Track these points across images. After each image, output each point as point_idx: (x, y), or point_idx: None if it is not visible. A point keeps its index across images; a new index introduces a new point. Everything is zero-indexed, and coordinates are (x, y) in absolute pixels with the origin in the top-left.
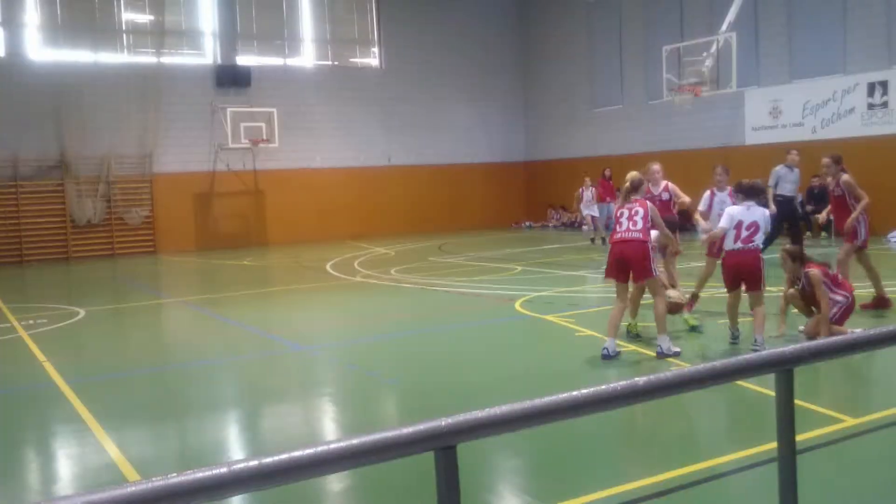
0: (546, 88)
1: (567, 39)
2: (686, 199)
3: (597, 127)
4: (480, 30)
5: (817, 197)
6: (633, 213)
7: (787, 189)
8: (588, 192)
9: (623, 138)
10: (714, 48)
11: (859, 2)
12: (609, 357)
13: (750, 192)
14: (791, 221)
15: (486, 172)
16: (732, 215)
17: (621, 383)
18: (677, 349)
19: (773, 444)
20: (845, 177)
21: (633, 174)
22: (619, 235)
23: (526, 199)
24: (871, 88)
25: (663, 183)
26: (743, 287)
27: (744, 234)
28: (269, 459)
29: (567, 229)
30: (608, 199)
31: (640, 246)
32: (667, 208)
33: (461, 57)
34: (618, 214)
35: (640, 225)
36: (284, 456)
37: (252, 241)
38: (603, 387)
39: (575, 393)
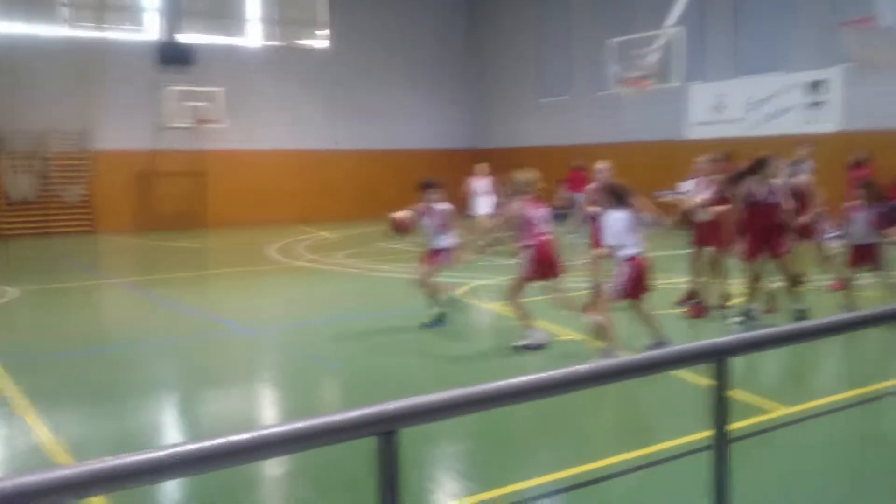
0: (495, 76)
1: (516, 28)
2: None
3: (544, 117)
4: (431, 15)
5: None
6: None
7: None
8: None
9: (570, 129)
10: (661, 42)
11: (802, 3)
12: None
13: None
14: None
15: (433, 159)
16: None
17: (563, 370)
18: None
19: (708, 433)
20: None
21: (523, 174)
22: (546, 237)
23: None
24: (812, 86)
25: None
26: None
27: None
28: (208, 443)
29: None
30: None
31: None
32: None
33: (410, 42)
34: (531, 217)
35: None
36: (224, 440)
37: (194, 222)
38: (544, 374)
39: (516, 380)
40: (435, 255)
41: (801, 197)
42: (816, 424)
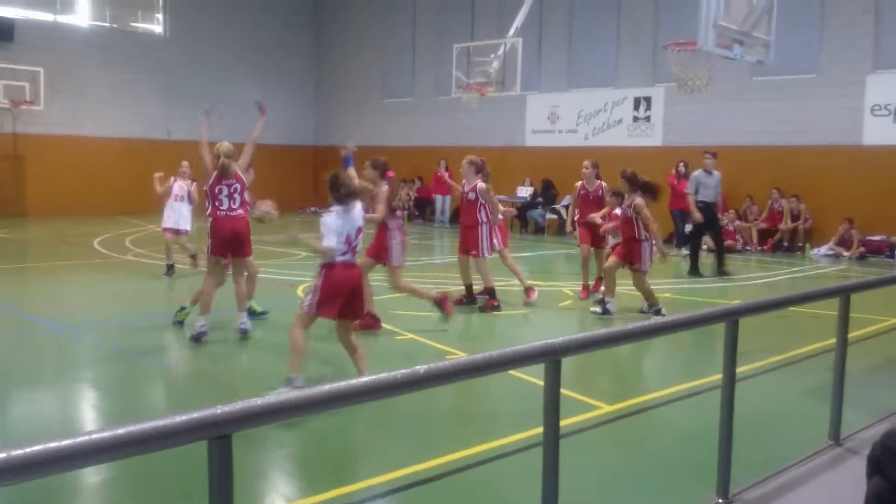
0: (338, 74)
1: (362, 26)
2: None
3: (387, 117)
4: (275, 7)
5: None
6: (231, 189)
7: (708, 195)
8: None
9: (412, 130)
10: (501, 51)
11: (630, 23)
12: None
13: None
14: (713, 228)
15: (273, 154)
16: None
17: (402, 371)
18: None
19: (539, 430)
20: (638, 200)
21: (223, 145)
22: (222, 212)
23: (314, 184)
24: (637, 102)
25: (597, 182)
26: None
27: (353, 244)
28: (19, 451)
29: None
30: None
31: (245, 221)
32: (599, 207)
33: (253, 33)
34: (216, 191)
35: (238, 201)
36: (39, 447)
37: (8, 210)
38: (383, 374)
39: (354, 381)
40: None
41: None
42: (635, 422)
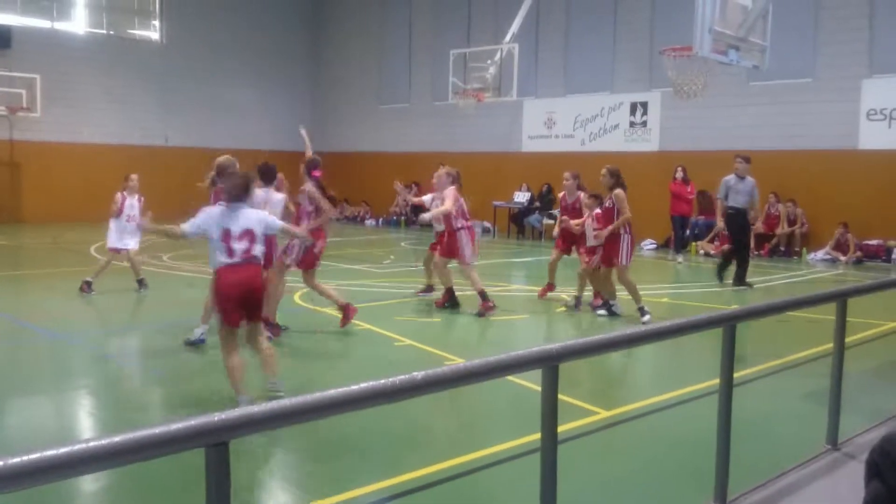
0: (335, 80)
1: (358, 33)
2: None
3: (384, 123)
4: (272, 13)
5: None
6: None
7: (738, 201)
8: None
9: (408, 136)
10: (498, 57)
11: (626, 28)
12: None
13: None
14: (741, 236)
15: (268, 159)
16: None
17: (400, 377)
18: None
19: (537, 435)
20: (618, 190)
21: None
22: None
23: None
24: (634, 108)
25: (577, 193)
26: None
27: (235, 246)
28: (16, 459)
29: (349, 222)
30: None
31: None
32: (577, 217)
33: (249, 39)
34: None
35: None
36: (36, 455)
37: (5, 217)
38: (381, 381)
39: (353, 387)
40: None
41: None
42: (632, 427)
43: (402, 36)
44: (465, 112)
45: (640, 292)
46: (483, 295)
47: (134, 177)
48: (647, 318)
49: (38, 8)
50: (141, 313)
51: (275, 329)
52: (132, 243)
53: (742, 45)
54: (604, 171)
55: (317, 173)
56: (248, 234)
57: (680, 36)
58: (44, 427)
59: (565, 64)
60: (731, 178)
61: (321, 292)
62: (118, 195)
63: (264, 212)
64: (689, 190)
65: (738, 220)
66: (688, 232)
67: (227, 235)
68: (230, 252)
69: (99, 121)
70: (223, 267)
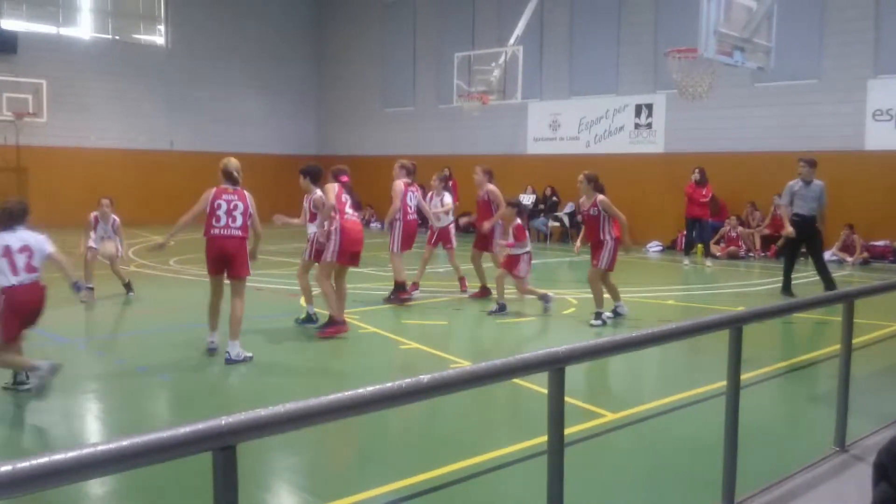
0: (340, 84)
1: (362, 37)
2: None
3: (389, 126)
4: (276, 17)
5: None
6: (231, 206)
7: (805, 207)
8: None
9: (413, 139)
10: (502, 59)
11: (631, 30)
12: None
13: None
14: (812, 244)
15: (276, 164)
16: None
17: (406, 381)
18: (248, 354)
19: (544, 438)
20: (601, 197)
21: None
22: (217, 231)
23: None
24: (639, 110)
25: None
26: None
27: (17, 260)
28: (25, 463)
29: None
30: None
31: (240, 242)
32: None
33: (254, 43)
34: (215, 206)
35: (239, 221)
36: (45, 459)
37: None
38: (388, 384)
39: (360, 390)
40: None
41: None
42: (638, 429)
43: (406, 39)
44: (470, 115)
45: (646, 294)
46: (400, 286)
47: (105, 201)
48: (597, 323)
49: (44, 14)
50: (145, 317)
51: (340, 326)
52: (110, 248)
53: (747, 47)
54: (581, 177)
55: (344, 178)
56: (24, 249)
57: (685, 37)
58: (51, 431)
59: (570, 66)
60: (795, 182)
61: (326, 294)
62: (91, 215)
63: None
64: (703, 193)
65: (806, 229)
66: (693, 234)
67: (9, 255)
68: (15, 270)
69: (104, 126)
70: (8, 288)
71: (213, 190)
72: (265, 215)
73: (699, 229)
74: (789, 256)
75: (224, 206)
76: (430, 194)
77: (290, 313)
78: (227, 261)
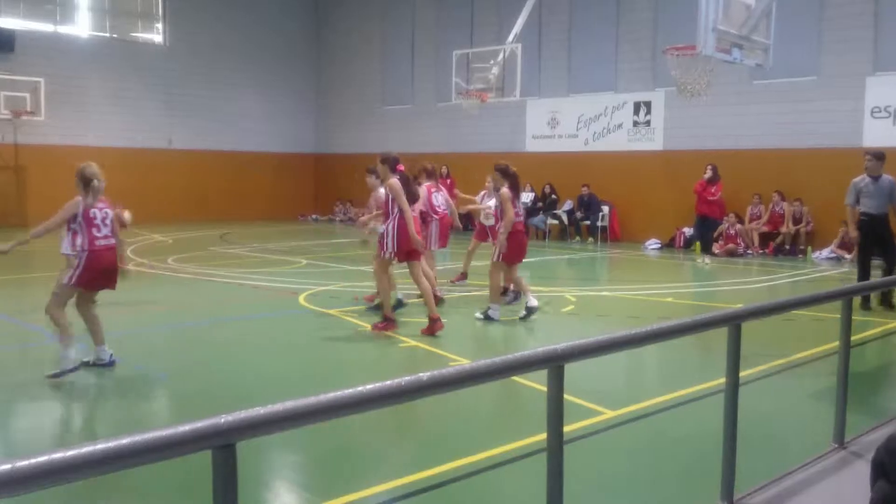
0: (339, 82)
1: (361, 35)
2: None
3: (387, 124)
4: (275, 16)
5: (586, 204)
6: (103, 215)
7: (873, 205)
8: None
9: (413, 137)
10: (501, 57)
11: (629, 28)
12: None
13: None
14: (882, 246)
15: (274, 162)
16: None
17: (406, 378)
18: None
19: (543, 436)
20: (504, 190)
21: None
22: (103, 243)
23: (314, 192)
24: (637, 107)
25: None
26: None
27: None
28: (24, 462)
29: (353, 224)
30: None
31: (115, 252)
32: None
33: (253, 42)
34: (90, 215)
35: (109, 230)
36: (43, 458)
37: (10, 221)
38: (387, 382)
39: (360, 388)
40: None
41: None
42: (637, 427)
43: (405, 37)
44: (469, 112)
45: (645, 291)
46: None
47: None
48: (480, 315)
49: (42, 12)
50: (143, 316)
51: (389, 323)
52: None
53: (745, 44)
54: (495, 170)
55: (401, 167)
56: None
57: (683, 35)
58: (50, 429)
59: (568, 63)
60: (861, 178)
61: (383, 290)
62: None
63: None
64: (712, 190)
65: (875, 229)
66: (692, 231)
67: None
68: None
69: (103, 124)
70: None
71: (79, 199)
72: (261, 213)
73: (702, 226)
74: (863, 263)
75: (99, 216)
76: (482, 194)
77: (288, 311)
78: (111, 274)
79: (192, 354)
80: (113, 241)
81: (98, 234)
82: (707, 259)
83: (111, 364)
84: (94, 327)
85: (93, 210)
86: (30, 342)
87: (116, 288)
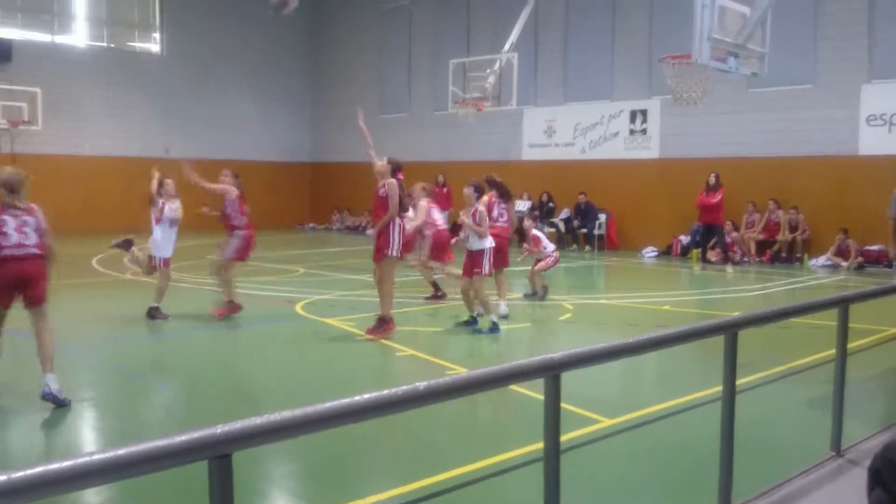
0: (335, 90)
1: (358, 43)
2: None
3: (384, 133)
4: (271, 24)
5: (583, 213)
6: (20, 223)
7: None
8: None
9: (409, 146)
10: (497, 66)
11: (625, 36)
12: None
13: None
14: None
15: (270, 171)
16: None
17: (402, 388)
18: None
19: (540, 444)
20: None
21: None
22: (10, 251)
23: (311, 201)
24: (633, 115)
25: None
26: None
27: None
28: (20, 473)
29: (350, 232)
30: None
31: (40, 261)
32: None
33: (250, 51)
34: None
35: (33, 238)
36: (40, 469)
37: None
38: (384, 392)
39: (357, 398)
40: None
41: None
42: (634, 435)
43: (402, 46)
44: (465, 121)
45: (642, 300)
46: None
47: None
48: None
49: (39, 22)
50: (140, 325)
51: (390, 325)
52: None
53: (741, 53)
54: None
55: (400, 175)
56: None
57: (679, 43)
58: (46, 440)
59: (565, 72)
60: None
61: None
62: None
63: None
64: (714, 197)
65: None
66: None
67: None
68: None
69: (100, 133)
70: None
71: None
72: (258, 222)
73: (706, 233)
74: None
75: (12, 223)
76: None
77: (283, 320)
78: (24, 285)
79: (189, 364)
80: (30, 250)
81: (6, 243)
82: (703, 267)
83: None
84: None
85: (4, 216)
86: (26, 351)
87: (41, 305)
